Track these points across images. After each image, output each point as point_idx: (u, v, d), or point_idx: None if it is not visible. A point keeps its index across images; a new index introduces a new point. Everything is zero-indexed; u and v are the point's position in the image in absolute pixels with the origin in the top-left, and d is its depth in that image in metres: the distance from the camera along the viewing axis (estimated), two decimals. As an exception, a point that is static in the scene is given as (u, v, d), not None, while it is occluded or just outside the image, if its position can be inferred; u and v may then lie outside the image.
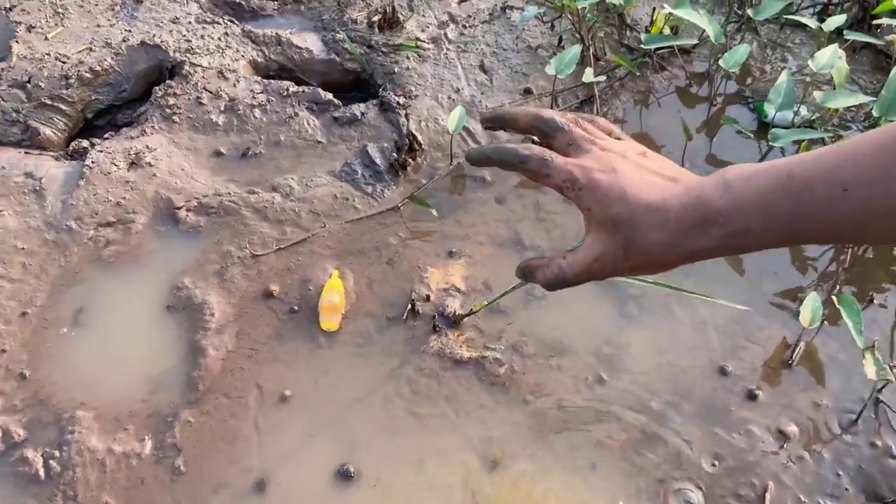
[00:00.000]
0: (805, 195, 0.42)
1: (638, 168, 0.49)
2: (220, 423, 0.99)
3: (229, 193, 1.25)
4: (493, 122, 0.53)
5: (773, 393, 1.01)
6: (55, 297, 1.12)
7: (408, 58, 1.46)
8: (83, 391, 1.02)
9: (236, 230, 1.20)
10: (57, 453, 0.96)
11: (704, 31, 1.29)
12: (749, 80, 1.45)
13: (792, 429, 0.97)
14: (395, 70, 1.44)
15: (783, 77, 1.23)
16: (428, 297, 1.11)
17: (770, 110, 1.26)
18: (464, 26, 1.53)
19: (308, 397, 1.01)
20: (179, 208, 1.22)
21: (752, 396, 1.00)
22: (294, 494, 0.93)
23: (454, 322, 1.08)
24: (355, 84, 1.50)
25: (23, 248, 1.17)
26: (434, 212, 1.17)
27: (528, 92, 1.43)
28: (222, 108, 1.37)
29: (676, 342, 1.06)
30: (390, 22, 1.51)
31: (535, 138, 0.53)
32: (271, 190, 1.26)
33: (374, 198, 1.25)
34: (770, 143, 1.16)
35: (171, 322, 1.09)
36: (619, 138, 0.53)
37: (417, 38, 1.49)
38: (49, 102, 1.36)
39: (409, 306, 1.09)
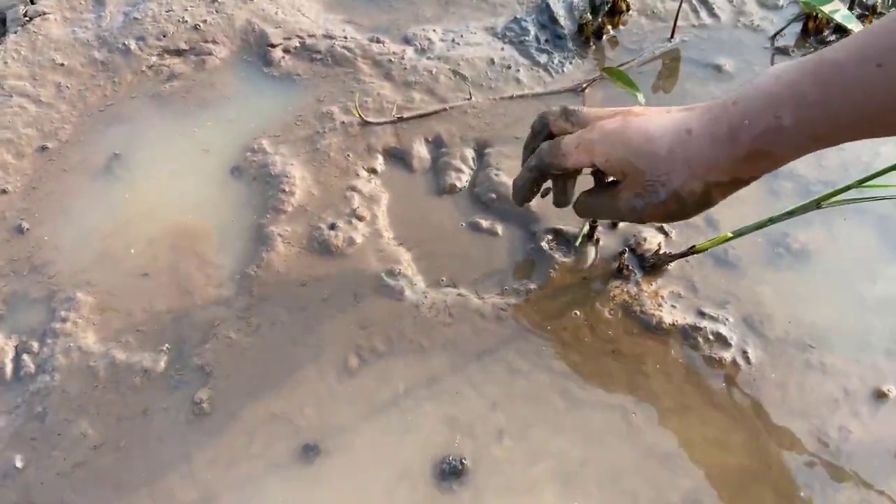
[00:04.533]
0: (836, 78, 0.39)
1: (643, 113, 0.50)
2: (269, 349, 0.64)
3: (345, 38, 0.89)
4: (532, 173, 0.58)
5: None
6: (88, 135, 0.80)
7: None
8: (93, 267, 0.70)
9: (345, 87, 0.84)
10: (36, 346, 0.65)
11: None
12: None
13: None
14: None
15: None
16: (614, 224, 0.71)
17: None
18: None
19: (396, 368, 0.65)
20: (274, 46, 0.87)
21: None
22: None
23: (651, 266, 0.68)
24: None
25: (62, 65, 0.86)
26: (640, 96, 0.76)
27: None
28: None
29: None
30: None
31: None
32: (402, 41, 0.89)
33: (549, 71, 0.85)
34: None
35: (233, 193, 0.75)
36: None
37: None
38: None
39: (586, 230, 0.69)
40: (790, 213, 0.56)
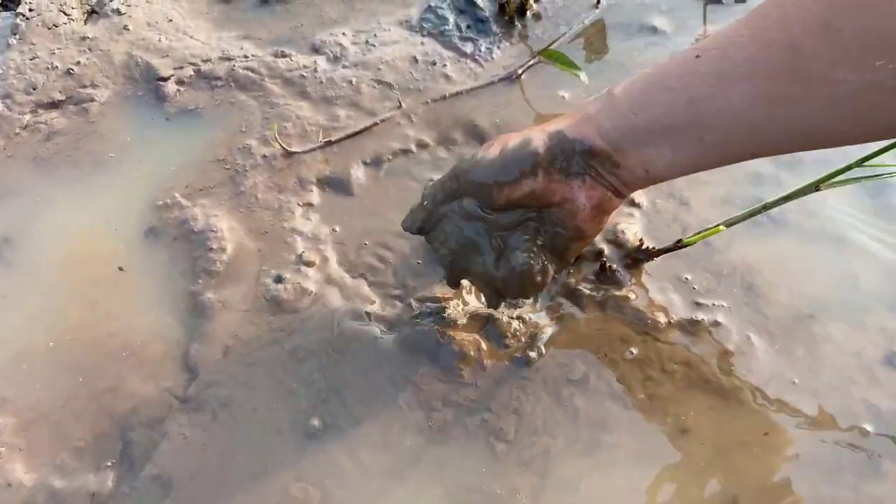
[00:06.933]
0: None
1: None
2: (231, 436, 0.55)
3: (245, 57, 0.78)
4: None
5: None
6: (-36, 220, 0.68)
7: None
8: (4, 380, 0.59)
9: (259, 113, 0.74)
10: (-47, 493, 0.54)
11: None
12: None
13: None
14: None
15: None
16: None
17: None
18: None
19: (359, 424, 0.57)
20: (166, 79, 0.76)
21: None
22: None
23: (635, 261, 0.62)
24: None
25: (-85, 142, 0.72)
26: (583, 75, 0.70)
27: None
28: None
29: None
30: None
31: None
32: (311, 51, 0.79)
33: (478, 60, 0.77)
34: None
35: (153, 260, 0.65)
36: None
37: None
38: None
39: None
40: (786, 198, 0.51)
